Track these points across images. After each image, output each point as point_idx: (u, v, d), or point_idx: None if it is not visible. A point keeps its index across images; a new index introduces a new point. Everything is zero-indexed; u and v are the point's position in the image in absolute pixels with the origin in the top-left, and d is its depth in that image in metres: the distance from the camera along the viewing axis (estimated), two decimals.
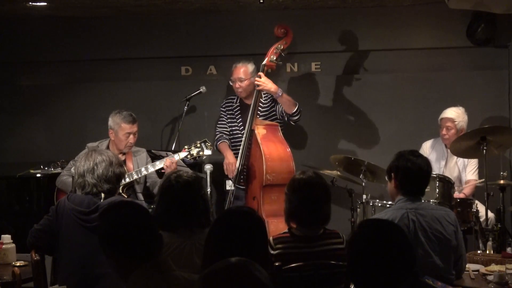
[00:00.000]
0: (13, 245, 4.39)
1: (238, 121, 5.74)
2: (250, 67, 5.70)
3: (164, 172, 5.08)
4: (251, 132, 5.44)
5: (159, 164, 5.14)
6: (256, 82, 5.47)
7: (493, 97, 6.47)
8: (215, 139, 5.81)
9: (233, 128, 5.77)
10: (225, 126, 5.82)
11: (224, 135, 5.79)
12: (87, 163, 3.83)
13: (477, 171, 5.78)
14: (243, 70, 5.67)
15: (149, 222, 2.71)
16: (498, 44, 6.40)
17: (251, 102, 5.57)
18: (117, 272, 2.69)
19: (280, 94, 5.47)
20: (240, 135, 5.67)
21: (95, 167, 3.80)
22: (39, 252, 3.79)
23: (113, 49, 6.75)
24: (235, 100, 5.81)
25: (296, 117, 5.58)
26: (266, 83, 5.43)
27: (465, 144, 5.26)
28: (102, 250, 2.68)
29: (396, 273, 2.25)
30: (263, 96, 5.61)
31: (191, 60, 6.76)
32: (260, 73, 5.48)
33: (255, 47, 6.37)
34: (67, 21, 6.73)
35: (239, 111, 5.76)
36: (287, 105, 5.52)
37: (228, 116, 5.82)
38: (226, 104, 5.86)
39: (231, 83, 5.77)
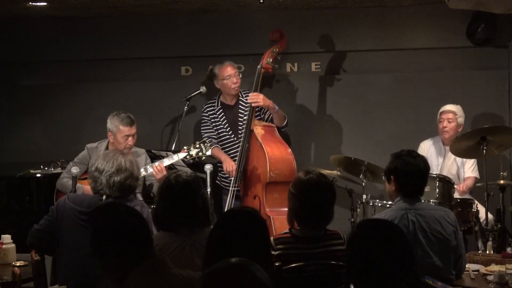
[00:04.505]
0: (13, 245, 4.39)
1: (223, 123, 5.74)
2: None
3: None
4: (250, 132, 5.45)
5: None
6: (252, 100, 5.47)
7: (493, 97, 6.46)
8: None
9: (220, 131, 5.76)
10: (212, 130, 5.80)
11: (213, 139, 5.75)
12: (109, 165, 3.73)
13: (476, 167, 5.78)
14: (232, 67, 5.73)
15: (141, 223, 2.66)
16: (498, 44, 6.40)
17: (234, 102, 5.71)
18: (111, 276, 2.62)
19: (277, 109, 5.59)
20: (228, 136, 5.70)
21: (116, 173, 3.72)
22: (39, 252, 3.79)
23: (113, 49, 6.76)
24: (215, 104, 5.81)
25: (284, 129, 5.81)
26: (264, 100, 5.49)
27: (465, 144, 5.26)
28: (95, 254, 2.62)
29: (395, 273, 2.25)
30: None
31: (191, 60, 6.76)
32: (257, 93, 5.50)
33: (255, 47, 6.37)
34: (67, 21, 6.73)
35: (222, 113, 5.77)
36: (279, 119, 5.68)
37: (212, 120, 5.80)
38: (208, 109, 5.83)
39: (224, 81, 5.67)
